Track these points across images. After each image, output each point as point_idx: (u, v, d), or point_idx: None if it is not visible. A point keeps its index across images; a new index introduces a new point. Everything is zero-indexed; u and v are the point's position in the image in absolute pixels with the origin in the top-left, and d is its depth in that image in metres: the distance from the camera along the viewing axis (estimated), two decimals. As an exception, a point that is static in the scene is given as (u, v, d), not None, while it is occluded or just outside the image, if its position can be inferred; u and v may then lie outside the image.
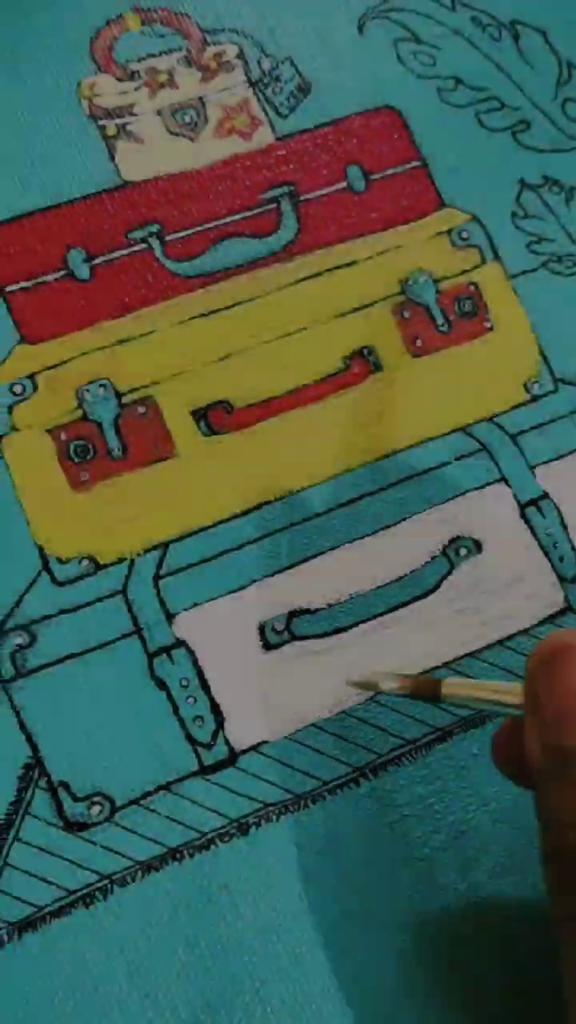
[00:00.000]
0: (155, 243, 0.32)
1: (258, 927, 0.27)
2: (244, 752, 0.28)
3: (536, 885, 0.23)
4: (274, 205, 0.33)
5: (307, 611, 0.30)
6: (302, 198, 0.33)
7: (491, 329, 0.33)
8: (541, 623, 0.30)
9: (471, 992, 0.26)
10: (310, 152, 0.34)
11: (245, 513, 0.30)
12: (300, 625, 0.30)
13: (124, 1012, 0.26)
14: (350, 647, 0.30)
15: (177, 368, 0.31)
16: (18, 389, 0.30)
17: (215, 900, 0.27)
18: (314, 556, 0.30)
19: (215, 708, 0.29)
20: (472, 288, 0.33)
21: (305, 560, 0.30)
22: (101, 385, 0.31)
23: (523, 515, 0.31)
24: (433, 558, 0.31)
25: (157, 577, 0.29)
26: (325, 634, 0.30)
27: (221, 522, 0.30)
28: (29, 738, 0.28)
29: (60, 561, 0.29)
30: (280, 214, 0.33)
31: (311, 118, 0.34)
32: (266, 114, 0.34)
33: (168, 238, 0.32)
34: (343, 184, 0.34)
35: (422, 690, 0.24)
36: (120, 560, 0.29)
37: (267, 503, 0.30)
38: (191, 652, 0.29)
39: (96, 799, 0.27)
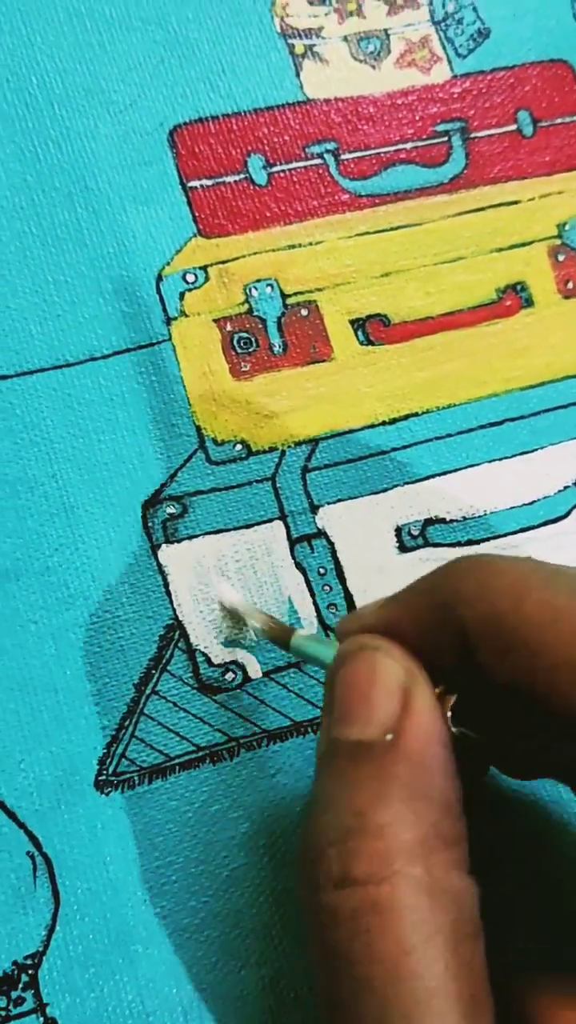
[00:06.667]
0: (331, 160, 0.34)
1: (373, 806, 0.28)
2: (372, 643, 0.29)
3: None
4: (445, 139, 0.34)
5: (443, 520, 0.31)
6: (472, 135, 0.35)
7: None
8: None
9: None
10: (484, 93, 0.35)
11: (393, 422, 0.32)
12: (435, 533, 0.31)
13: (248, 869, 0.27)
14: (481, 559, 0.31)
15: (341, 279, 0.33)
16: (190, 278, 0.32)
17: (334, 775, 0.28)
18: (454, 471, 0.31)
19: (348, 598, 0.30)
20: (626, 240, 0.34)
21: (445, 473, 0.31)
22: (268, 284, 0.32)
23: None
24: (566, 488, 0.32)
25: (305, 470, 0.31)
26: (458, 544, 0.31)
27: (369, 427, 0.31)
28: (172, 601, 0.29)
29: (216, 442, 0.30)
30: (450, 148, 0.34)
31: (487, 61, 0.36)
32: (445, 52, 0.35)
33: (343, 157, 0.34)
34: (513, 127, 0.35)
35: (276, 635, 0.26)
36: (272, 449, 0.31)
37: (414, 415, 0.32)
38: (331, 543, 0.30)
39: (231, 667, 0.29)
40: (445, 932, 0.17)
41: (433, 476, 0.31)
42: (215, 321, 0.31)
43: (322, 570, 0.30)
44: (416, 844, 0.18)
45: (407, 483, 0.31)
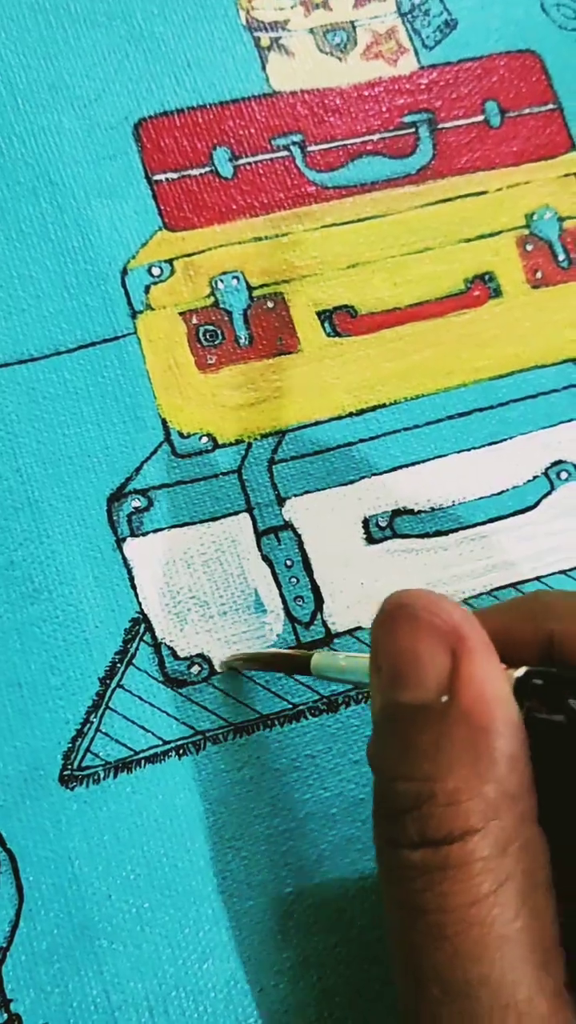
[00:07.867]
0: (297, 152, 0.33)
1: (343, 800, 0.28)
2: (339, 635, 0.29)
3: None
4: (413, 130, 0.34)
5: (411, 511, 0.31)
6: (440, 126, 0.35)
7: (609, 270, 0.34)
8: None
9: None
10: (451, 84, 0.35)
11: (360, 413, 0.31)
12: (402, 524, 0.31)
13: (209, 862, 0.27)
14: (448, 550, 0.31)
15: (307, 270, 0.32)
16: (156, 271, 0.32)
17: (301, 768, 0.28)
18: (422, 462, 0.31)
19: (315, 590, 0.30)
20: (594, 230, 0.34)
21: (413, 464, 0.31)
22: (235, 277, 0.32)
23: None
24: (535, 477, 0.32)
25: (272, 462, 0.30)
26: (426, 535, 0.31)
27: (336, 419, 0.31)
28: (137, 594, 0.29)
29: (181, 435, 0.30)
30: (418, 139, 0.34)
31: (455, 52, 0.35)
32: (412, 44, 0.35)
33: (309, 149, 0.34)
34: (480, 118, 0.35)
35: (294, 664, 0.26)
36: (238, 441, 0.31)
37: (381, 406, 0.32)
38: (297, 535, 0.30)
39: (196, 660, 0.29)
40: (516, 882, 0.18)
41: (401, 467, 0.31)
42: (181, 314, 0.31)
43: (289, 562, 0.30)
44: (484, 803, 0.18)
45: (375, 474, 0.31)
